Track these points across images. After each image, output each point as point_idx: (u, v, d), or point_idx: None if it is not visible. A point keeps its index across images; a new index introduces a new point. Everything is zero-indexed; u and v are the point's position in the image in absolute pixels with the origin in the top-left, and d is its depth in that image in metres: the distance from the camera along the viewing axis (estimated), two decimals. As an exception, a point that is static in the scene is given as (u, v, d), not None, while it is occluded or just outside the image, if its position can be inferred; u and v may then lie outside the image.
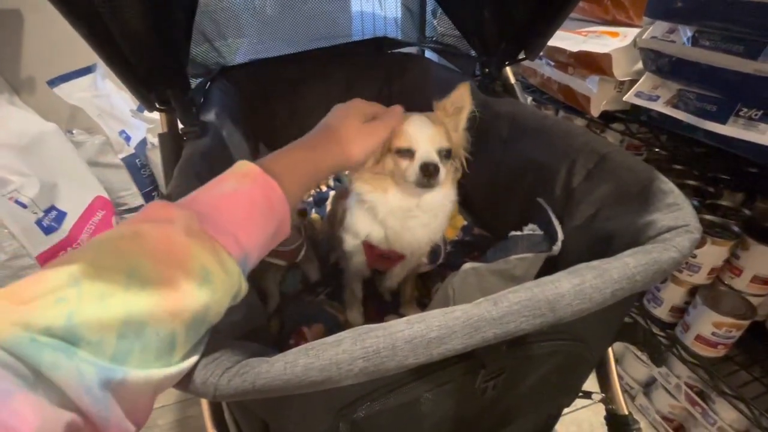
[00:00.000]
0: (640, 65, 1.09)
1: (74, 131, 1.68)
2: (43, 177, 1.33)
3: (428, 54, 1.62)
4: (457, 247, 1.13)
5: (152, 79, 0.70)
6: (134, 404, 0.33)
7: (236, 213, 0.46)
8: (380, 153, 0.74)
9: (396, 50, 1.55)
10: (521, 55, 0.95)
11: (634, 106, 1.09)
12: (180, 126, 0.84)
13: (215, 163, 0.81)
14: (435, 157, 0.72)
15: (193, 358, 0.39)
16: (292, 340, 0.80)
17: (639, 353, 1.39)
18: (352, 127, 0.64)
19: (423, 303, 0.98)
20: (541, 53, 1.23)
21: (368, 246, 0.84)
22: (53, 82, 1.60)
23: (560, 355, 0.58)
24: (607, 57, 1.06)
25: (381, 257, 0.83)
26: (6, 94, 1.75)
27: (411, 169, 0.72)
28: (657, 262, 0.47)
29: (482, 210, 1.17)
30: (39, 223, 1.22)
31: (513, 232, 0.82)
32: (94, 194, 1.51)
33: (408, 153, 0.73)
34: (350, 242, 0.85)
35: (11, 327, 0.28)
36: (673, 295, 1.14)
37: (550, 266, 0.75)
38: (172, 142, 0.81)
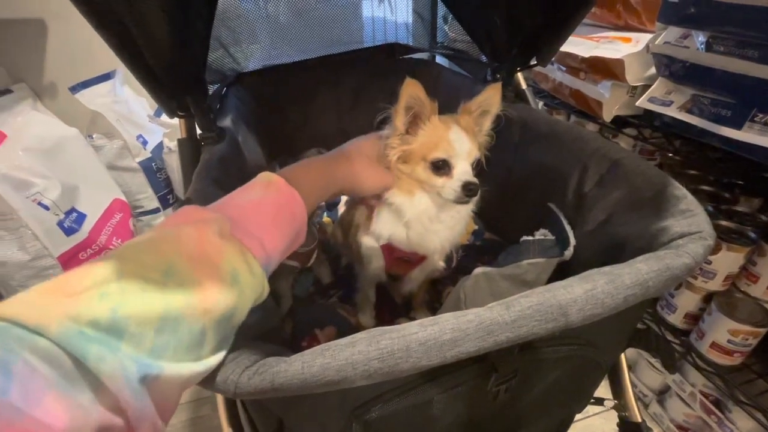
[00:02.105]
0: (652, 70, 1.09)
1: (94, 136, 1.73)
2: (65, 180, 1.37)
3: (439, 59, 1.63)
4: (468, 251, 1.13)
5: (173, 86, 0.72)
6: (165, 400, 0.35)
7: (262, 219, 0.49)
8: (409, 156, 0.73)
9: (407, 56, 1.56)
10: (533, 62, 0.96)
11: (647, 111, 1.09)
12: (198, 131, 0.87)
13: (231, 167, 0.83)
14: (471, 174, 0.72)
15: (220, 355, 0.40)
16: (305, 343, 0.81)
17: (652, 360, 1.37)
18: (365, 161, 0.71)
19: (434, 307, 0.98)
20: (553, 59, 1.24)
21: (388, 248, 0.85)
22: (75, 88, 1.65)
23: (572, 360, 0.58)
24: (619, 62, 1.06)
25: (400, 260, 0.84)
26: (30, 99, 1.81)
27: (449, 186, 0.72)
28: (669, 268, 0.48)
29: (493, 215, 1.17)
30: (60, 224, 1.26)
31: (524, 237, 0.82)
32: (113, 197, 1.55)
33: (445, 166, 0.72)
34: (369, 245, 0.86)
35: (60, 318, 0.28)
36: (687, 301, 1.13)
37: (562, 271, 0.76)
38: (190, 147, 0.83)
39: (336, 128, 1.59)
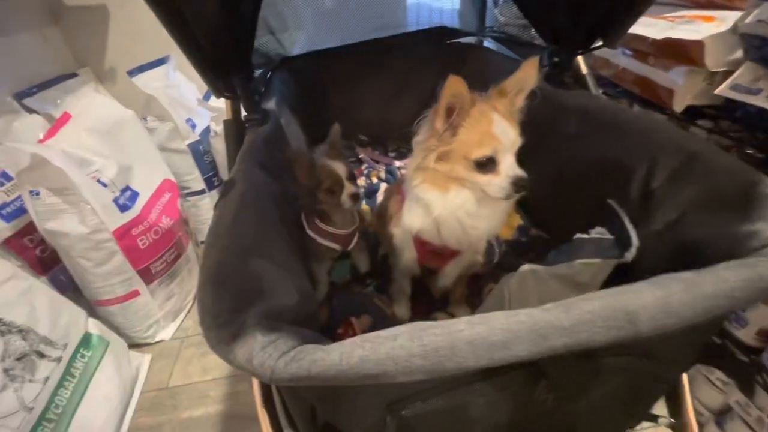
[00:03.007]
0: (737, 54, 0.96)
1: (148, 118, 1.81)
2: (121, 159, 1.44)
3: (487, 44, 1.55)
4: (511, 247, 1.08)
5: (221, 66, 0.73)
6: None
7: None
8: (448, 155, 0.69)
9: (454, 41, 1.50)
10: (597, 43, 0.87)
11: (728, 101, 0.96)
12: (243, 114, 0.87)
13: (275, 150, 0.83)
14: (517, 166, 0.67)
15: None
16: (341, 330, 0.80)
17: (712, 376, 1.24)
18: None
19: (473, 303, 0.94)
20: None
21: (419, 241, 0.82)
22: (132, 72, 1.73)
23: (631, 372, 0.52)
24: (698, 45, 0.94)
25: (433, 253, 0.81)
26: (92, 83, 1.93)
27: (496, 183, 0.67)
28: (764, 278, 0.41)
29: (541, 210, 1.10)
30: (116, 201, 1.33)
31: (578, 235, 0.76)
32: (163, 177, 1.62)
33: (489, 163, 0.67)
34: (401, 236, 0.84)
35: None
36: (762, 316, 1.00)
37: (621, 275, 0.69)
38: (235, 129, 0.84)
39: (378, 116, 1.56)
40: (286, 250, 0.62)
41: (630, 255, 0.67)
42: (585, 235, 0.76)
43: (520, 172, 0.66)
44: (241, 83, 0.78)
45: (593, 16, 0.82)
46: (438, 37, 1.46)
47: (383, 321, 0.83)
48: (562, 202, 0.98)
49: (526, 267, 0.75)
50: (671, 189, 0.65)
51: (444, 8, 1.54)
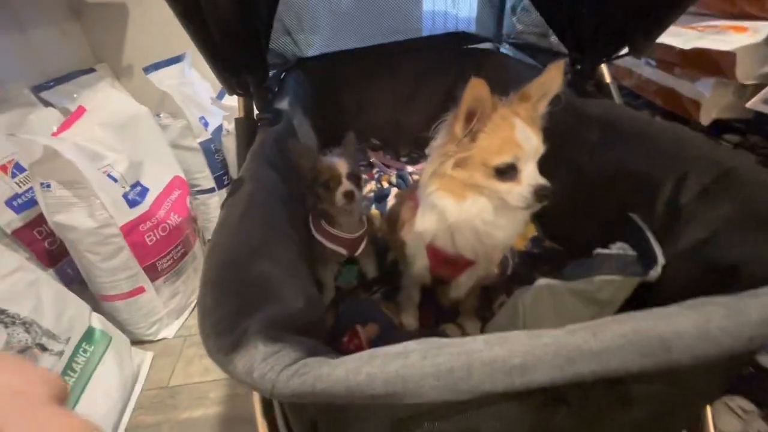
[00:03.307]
0: (769, 67, 0.92)
1: (161, 115, 1.81)
2: (132, 155, 1.44)
3: (504, 50, 1.52)
4: (524, 259, 1.04)
5: (236, 65, 0.71)
6: None
7: None
8: (466, 162, 0.66)
9: (470, 46, 1.47)
10: (622, 51, 0.84)
11: (758, 115, 0.92)
12: (256, 113, 0.86)
13: (286, 150, 0.81)
14: (539, 175, 0.63)
15: None
16: (345, 338, 0.77)
17: (732, 403, 1.18)
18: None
19: (483, 316, 0.90)
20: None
21: (433, 250, 0.79)
22: (147, 69, 1.74)
23: (657, 402, 0.49)
24: (729, 56, 0.90)
25: (446, 263, 0.77)
26: (109, 79, 1.94)
27: (517, 192, 0.63)
28: (815, 306, 0.37)
29: (556, 221, 1.06)
30: (125, 196, 1.33)
31: (599, 250, 0.72)
32: (173, 174, 1.61)
33: (510, 170, 0.64)
34: (414, 243, 0.81)
35: None
36: (789, 343, 0.95)
37: (643, 295, 0.65)
38: (247, 127, 0.83)
39: (391, 119, 1.54)
40: (294, 252, 0.59)
41: (655, 274, 0.63)
42: (606, 250, 0.73)
43: (542, 181, 0.63)
44: (254, 82, 0.76)
45: (620, 23, 0.79)
46: (454, 41, 1.43)
47: (390, 330, 0.80)
48: (578, 214, 0.94)
49: (542, 281, 0.72)
50: (702, 205, 0.61)
51: (460, 15, 1.52)
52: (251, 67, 0.74)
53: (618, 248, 0.73)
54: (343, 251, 0.90)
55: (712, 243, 0.59)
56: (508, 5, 1.42)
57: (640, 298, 0.65)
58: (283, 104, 0.94)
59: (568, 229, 1.01)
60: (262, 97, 0.80)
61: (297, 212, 0.76)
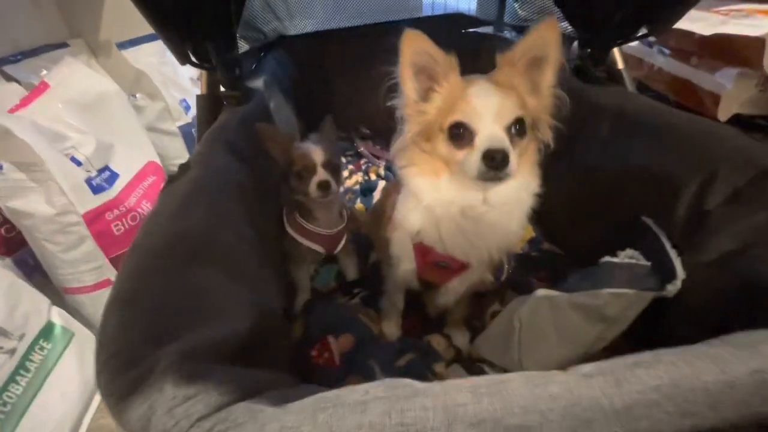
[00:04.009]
0: (800, 58, 0.83)
1: (137, 95, 1.69)
2: (101, 137, 1.33)
3: (507, 35, 1.43)
4: (521, 262, 0.95)
5: (188, 26, 0.60)
6: None
7: None
8: (429, 130, 0.58)
9: (470, 30, 1.38)
10: (641, 32, 0.74)
11: (785, 111, 0.83)
12: (222, 90, 0.75)
13: (253, 132, 0.70)
14: (503, 140, 0.52)
15: None
16: (314, 351, 0.68)
17: None
18: None
19: (473, 326, 0.81)
20: (653, 38, 1.00)
21: (420, 248, 0.69)
22: (123, 45, 1.62)
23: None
24: (756, 42, 0.81)
25: (436, 266, 0.68)
26: (84, 55, 1.81)
27: (471, 158, 0.53)
28: None
29: (557, 222, 0.97)
30: (89, 181, 1.22)
31: (607, 258, 0.63)
32: (148, 159, 1.50)
33: (466, 133, 0.54)
34: (399, 242, 0.71)
35: None
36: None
37: (657, 312, 0.56)
38: (209, 105, 0.72)
39: (383, 106, 1.43)
40: (249, 254, 0.50)
41: (673, 289, 0.54)
42: (614, 259, 0.63)
43: (496, 144, 0.51)
44: (216, 50, 0.65)
45: (640, -1, 0.69)
46: (454, 24, 1.33)
47: (368, 342, 0.71)
48: (583, 216, 0.86)
49: (541, 292, 0.63)
50: (732, 212, 0.52)
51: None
52: (213, 32, 0.64)
53: (628, 257, 0.64)
54: (319, 249, 0.81)
55: (744, 256, 0.50)
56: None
57: (652, 316, 0.57)
58: (258, 83, 0.83)
59: (572, 232, 0.92)
60: (228, 71, 0.69)
61: (263, 205, 0.66)
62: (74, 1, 1.81)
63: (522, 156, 0.57)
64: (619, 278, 0.60)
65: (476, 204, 0.60)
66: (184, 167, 0.48)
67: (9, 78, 1.46)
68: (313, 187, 0.71)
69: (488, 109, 0.53)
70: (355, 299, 0.84)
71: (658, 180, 0.63)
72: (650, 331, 0.59)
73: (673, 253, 0.58)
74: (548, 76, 0.56)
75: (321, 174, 0.71)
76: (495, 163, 0.51)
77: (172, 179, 0.46)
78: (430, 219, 0.63)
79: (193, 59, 0.65)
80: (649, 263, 0.62)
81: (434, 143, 0.58)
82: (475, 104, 0.53)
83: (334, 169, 0.74)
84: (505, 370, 0.67)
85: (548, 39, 0.54)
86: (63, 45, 1.75)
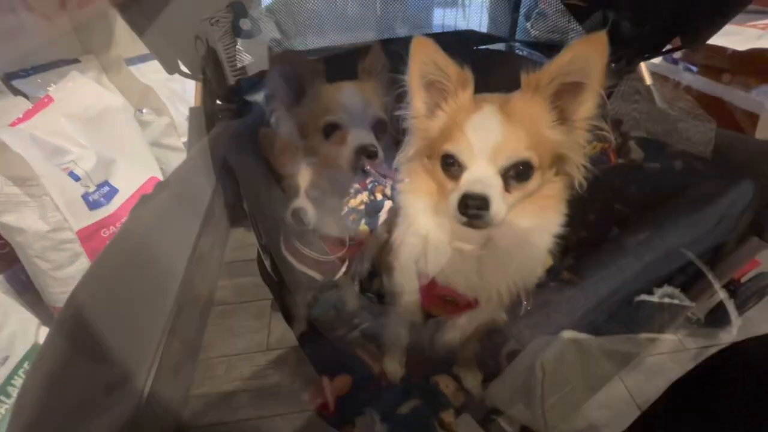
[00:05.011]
0: None
1: (144, 110, 1.68)
2: (103, 151, 1.31)
3: (519, 52, 1.40)
4: (536, 295, 0.86)
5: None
6: None
7: None
8: (432, 147, 0.52)
9: (482, 47, 1.34)
10: (671, 45, 0.68)
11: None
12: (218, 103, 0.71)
13: (250, 148, 0.65)
14: (488, 185, 0.45)
15: None
16: (307, 395, 0.60)
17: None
18: None
19: (487, 365, 0.72)
20: (677, 54, 0.94)
21: (424, 279, 0.62)
22: (132, 61, 1.61)
23: None
24: (799, 58, 0.74)
25: (442, 300, 0.60)
26: (95, 71, 1.82)
27: (453, 197, 0.46)
28: None
29: (579, 249, 0.88)
30: (86, 197, 1.18)
31: (642, 297, 0.55)
32: (149, 175, 1.47)
33: (456, 166, 0.48)
34: (403, 271, 0.64)
35: None
36: None
37: (714, 364, 0.47)
38: (200, 119, 0.67)
39: (393, 121, 1.39)
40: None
41: (729, 337, 0.46)
42: (651, 297, 0.55)
43: (477, 189, 0.44)
44: (209, 62, 0.61)
45: (673, 6, 0.63)
46: (465, 41, 1.29)
47: (366, 383, 0.63)
48: (608, 244, 0.77)
49: (567, 334, 0.55)
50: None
51: (472, 15, 1.42)
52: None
53: (664, 295, 0.56)
54: (317, 275, 0.74)
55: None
56: (522, 11, 1.33)
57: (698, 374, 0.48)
58: (258, 96, 0.78)
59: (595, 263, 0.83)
60: (221, 82, 0.64)
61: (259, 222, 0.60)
62: (87, 17, 1.83)
63: (536, 196, 0.49)
64: (658, 320, 0.52)
65: (474, 246, 0.53)
66: (161, 186, 0.42)
67: (17, 92, 1.46)
68: (288, 213, 0.64)
69: (484, 146, 0.46)
70: (354, 332, 0.77)
71: (698, 207, 0.55)
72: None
73: (724, 295, 0.50)
74: (586, 107, 0.47)
75: (301, 201, 0.65)
76: (469, 214, 0.44)
77: (146, 199, 0.40)
78: (427, 245, 0.57)
79: (183, 69, 0.61)
80: (690, 303, 0.53)
81: (434, 164, 0.51)
82: (470, 137, 0.46)
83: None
84: (523, 426, 0.59)
85: (592, 59, 0.44)
86: (75, 61, 1.77)
